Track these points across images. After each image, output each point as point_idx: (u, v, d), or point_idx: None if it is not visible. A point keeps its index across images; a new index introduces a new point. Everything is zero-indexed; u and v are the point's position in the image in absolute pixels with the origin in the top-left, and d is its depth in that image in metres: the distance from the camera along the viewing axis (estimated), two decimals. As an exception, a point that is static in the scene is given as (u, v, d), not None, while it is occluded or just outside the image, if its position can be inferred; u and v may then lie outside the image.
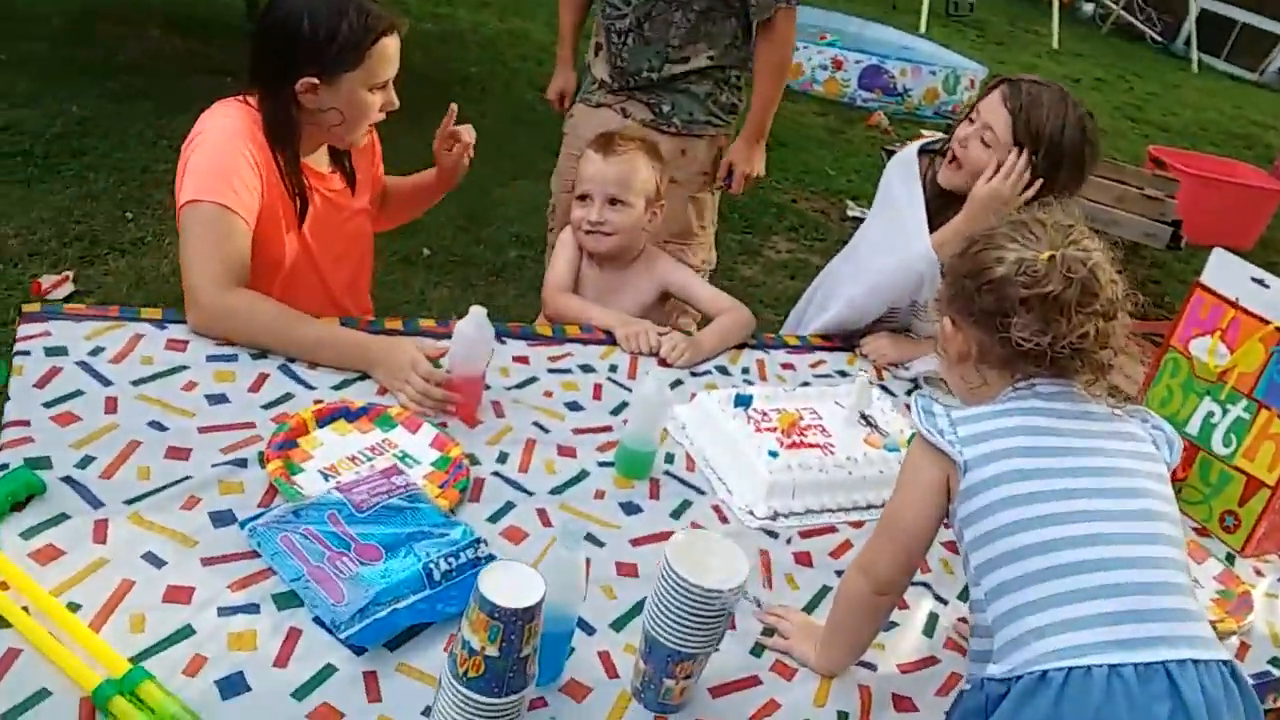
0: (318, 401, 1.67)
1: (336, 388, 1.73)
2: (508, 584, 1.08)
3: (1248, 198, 6.76)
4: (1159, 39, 15.74)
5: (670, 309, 2.45)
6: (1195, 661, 1.12)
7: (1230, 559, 1.91)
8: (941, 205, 2.20)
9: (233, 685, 1.16)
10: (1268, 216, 6.99)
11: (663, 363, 2.07)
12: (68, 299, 3.46)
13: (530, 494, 1.60)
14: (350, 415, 1.64)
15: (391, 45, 1.86)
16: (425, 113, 6.29)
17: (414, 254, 4.37)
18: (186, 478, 1.44)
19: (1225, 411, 1.94)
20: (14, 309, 3.12)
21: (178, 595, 1.25)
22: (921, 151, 2.30)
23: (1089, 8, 16.64)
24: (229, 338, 1.76)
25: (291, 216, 1.93)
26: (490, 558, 1.41)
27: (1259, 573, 1.90)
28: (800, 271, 5.06)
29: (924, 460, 1.27)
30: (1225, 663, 1.15)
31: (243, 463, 1.49)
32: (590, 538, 1.54)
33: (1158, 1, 15.92)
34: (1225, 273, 1.97)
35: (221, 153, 1.81)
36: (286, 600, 1.28)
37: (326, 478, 1.51)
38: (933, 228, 2.19)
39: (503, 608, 1.05)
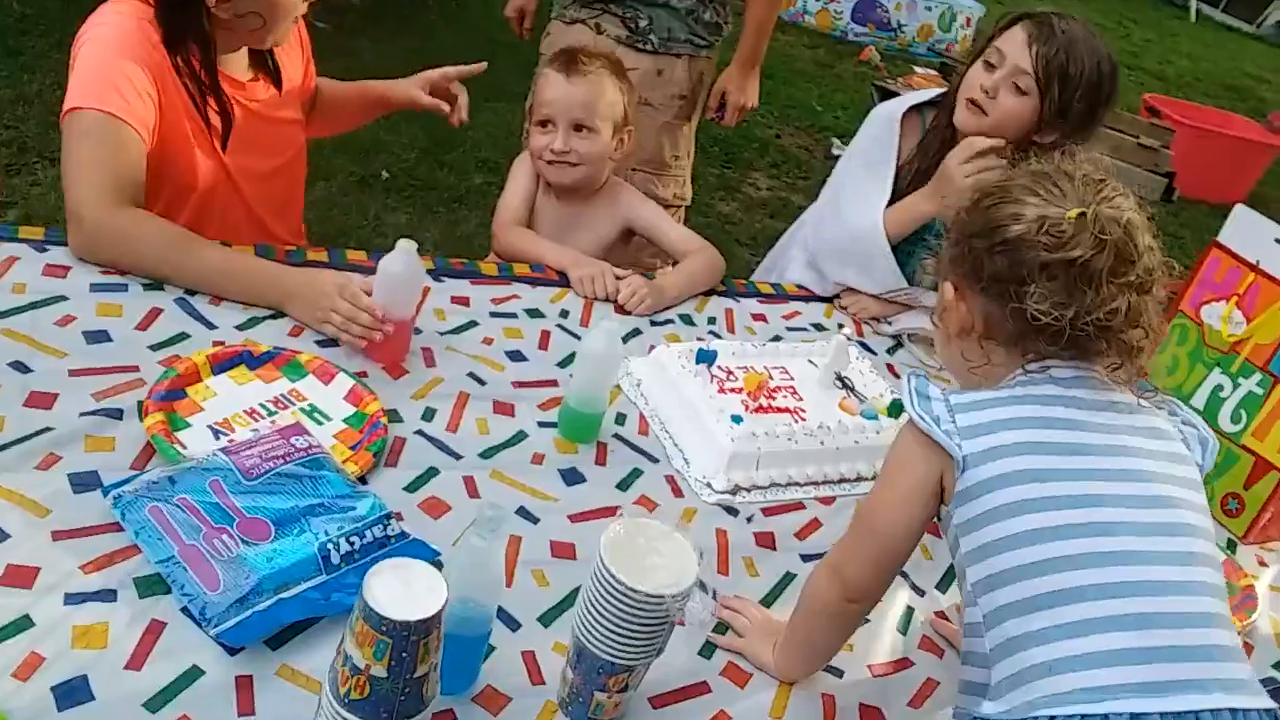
0: (217, 343, 1.45)
1: (242, 327, 1.51)
2: (401, 588, 0.88)
3: (1242, 151, 6.55)
4: (1158, -15, 15.38)
5: (636, 248, 2.23)
6: (1233, 711, 0.95)
7: (1231, 546, 1.75)
8: (936, 160, 1.97)
9: (73, 693, 0.96)
10: (1260, 171, 6.80)
11: (620, 309, 1.86)
12: (-12, 210, 3.20)
13: (457, 458, 1.40)
14: (253, 361, 1.42)
15: None
16: (394, 26, 5.88)
17: (371, 176, 4.11)
18: (46, 429, 1.22)
19: (1236, 385, 1.76)
20: (-79, 220, 2.88)
21: (18, 577, 1.05)
22: (912, 108, 2.07)
23: (1089, -51, 16.21)
24: (116, 264, 1.54)
25: (202, 132, 1.68)
26: (401, 536, 1.21)
27: (1262, 563, 1.74)
28: (780, 210, 4.84)
29: (914, 452, 1.07)
30: (1268, 712, 0.97)
31: (117, 414, 1.28)
32: (522, 512, 1.34)
33: (1160, -53, 15.52)
34: (1246, 232, 1.77)
35: (109, 55, 1.56)
36: (150, 586, 1.08)
37: (217, 435, 1.30)
38: (916, 186, 1.99)
39: (392, 620, 0.85)
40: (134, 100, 1.55)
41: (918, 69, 5.95)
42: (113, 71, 1.55)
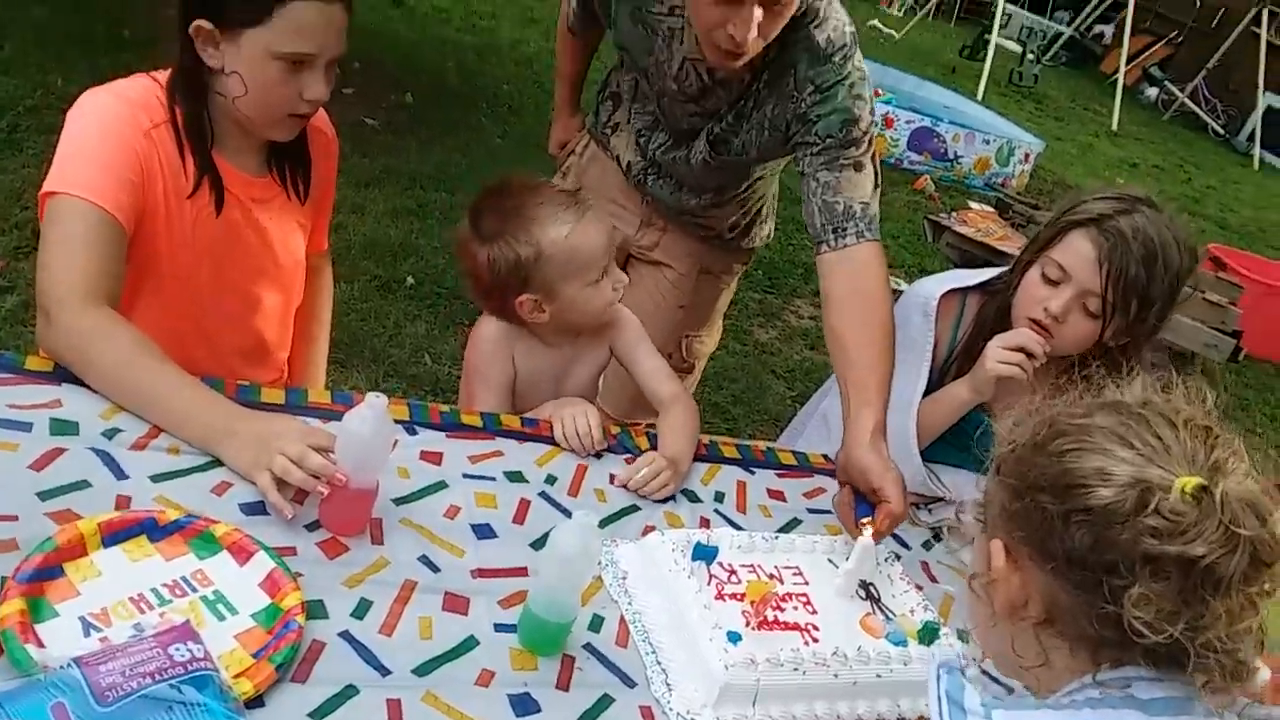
0: (121, 498, 1.23)
1: (159, 478, 1.29)
2: None
3: (1313, 311, 6.25)
4: (1221, 131, 15.32)
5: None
6: None
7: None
8: (983, 338, 1.75)
9: None
10: (1331, 333, 6.48)
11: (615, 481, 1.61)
12: (-13, 295, 3.07)
13: (385, 673, 1.15)
14: (156, 531, 1.19)
15: (310, 12, 1.45)
16: (443, 127, 5.82)
17: (396, 281, 3.96)
18: None
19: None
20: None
21: None
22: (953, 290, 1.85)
23: (1153, 92, 16.25)
24: (82, 369, 1.38)
25: (179, 223, 1.55)
26: (287, 790, 0.96)
27: None
28: (821, 342, 4.60)
29: None
30: None
31: (-32, 597, 1.05)
32: (454, 751, 1.09)
33: (1223, 94, 15.52)
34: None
35: (92, 138, 1.46)
36: None
37: (89, 629, 1.07)
38: (960, 370, 1.77)
39: None
40: (114, 186, 1.44)
41: (973, 204, 5.76)
42: (94, 155, 1.45)
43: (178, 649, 1.01)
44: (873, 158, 1.77)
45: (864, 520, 1.50)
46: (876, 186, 1.77)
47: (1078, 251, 1.62)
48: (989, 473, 0.97)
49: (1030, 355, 1.65)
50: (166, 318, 1.60)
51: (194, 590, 1.15)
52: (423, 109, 5.79)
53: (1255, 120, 14.37)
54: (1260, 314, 5.75)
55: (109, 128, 1.47)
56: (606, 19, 1.95)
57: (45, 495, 1.20)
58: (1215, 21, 16.38)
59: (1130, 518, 0.79)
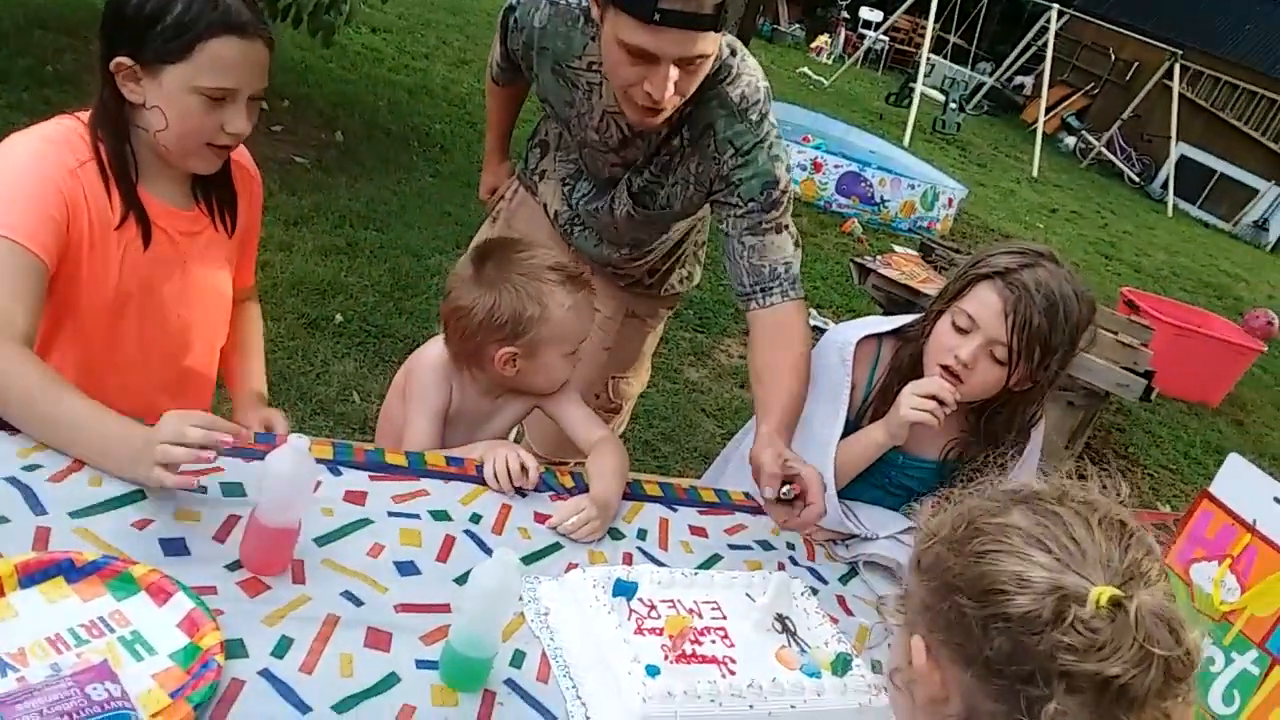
0: (40, 530, 1.23)
1: (79, 514, 1.29)
2: None
3: (1222, 353, 6.52)
4: (1136, 179, 15.93)
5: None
6: None
7: None
8: (897, 382, 1.83)
9: None
10: (1239, 374, 6.76)
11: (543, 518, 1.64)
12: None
13: (305, 710, 1.15)
14: (73, 572, 1.19)
15: (230, 48, 1.49)
16: (374, 165, 5.80)
17: (324, 319, 3.94)
18: None
19: (1229, 661, 1.55)
20: None
21: None
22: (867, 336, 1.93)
23: (1071, 141, 16.85)
24: None
25: (102, 261, 1.55)
26: (203, 829, 0.97)
27: None
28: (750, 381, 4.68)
29: None
30: None
31: (-121, 639, 1.05)
32: (372, 786, 1.10)
33: (1138, 143, 16.17)
34: (1239, 485, 1.59)
35: (16, 177, 1.47)
36: None
37: (5, 670, 1.06)
38: (876, 412, 1.84)
39: None
40: (37, 223, 1.45)
41: (897, 248, 5.92)
42: (17, 193, 1.46)
43: (95, 688, 1.02)
44: (790, 213, 1.86)
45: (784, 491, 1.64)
46: (797, 245, 1.89)
47: (985, 302, 1.70)
48: (909, 566, 0.97)
49: (942, 403, 1.72)
50: (89, 353, 1.60)
51: (111, 631, 1.15)
52: (354, 147, 5.79)
53: (1169, 168, 14.99)
54: (1172, 355, 5.97)
55: (31, 167, 1.48)
56: (529, 71, 2.00)
57: (-37, 530, 1.20)
58: (1130, 74, 17.12)
59: (1047, 628, 0.80)
